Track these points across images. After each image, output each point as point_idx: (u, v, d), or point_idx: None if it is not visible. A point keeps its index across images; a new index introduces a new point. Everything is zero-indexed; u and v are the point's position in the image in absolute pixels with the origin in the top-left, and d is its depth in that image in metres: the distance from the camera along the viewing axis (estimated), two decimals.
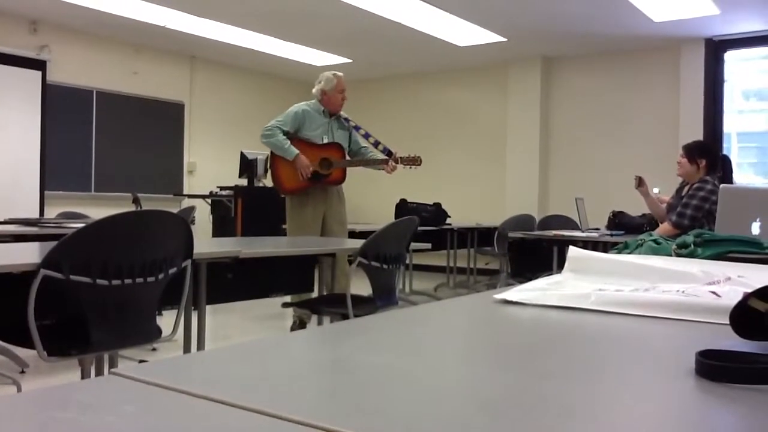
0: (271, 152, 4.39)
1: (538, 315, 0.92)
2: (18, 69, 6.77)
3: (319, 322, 3.30)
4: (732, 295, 0.89)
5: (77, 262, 1.82)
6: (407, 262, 6.11)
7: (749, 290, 0.67)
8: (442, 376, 0.60)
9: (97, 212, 3.11)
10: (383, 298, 2.89)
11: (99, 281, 1.86)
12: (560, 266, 1.29)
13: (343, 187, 4.47)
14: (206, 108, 8.66)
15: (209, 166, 8.55)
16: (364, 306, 2.88)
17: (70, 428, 0.45)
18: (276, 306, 3.90)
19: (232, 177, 7.21)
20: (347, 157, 4.41)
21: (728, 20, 6.47)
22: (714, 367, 0.57)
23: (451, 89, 9.06)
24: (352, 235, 4.62)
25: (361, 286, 2.92)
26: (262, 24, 7.01)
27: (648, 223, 4.59)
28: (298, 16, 6.67)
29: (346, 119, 4.47)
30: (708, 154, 4.06)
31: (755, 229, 2.06)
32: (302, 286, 3.44)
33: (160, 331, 2.13)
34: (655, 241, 1.63)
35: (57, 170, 7.11)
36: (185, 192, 8.05)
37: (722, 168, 4.11)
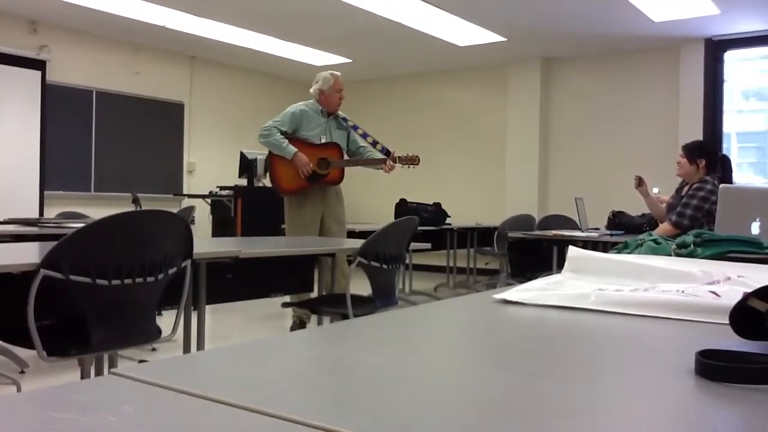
0: (270, 152, 4.39)
1: (537, 315, 0.92)
2: (18, 69, 6.77)
3: (319, 322, 3.30)
4: (732, 295, 0.89)
5: (77, 262, 1.82)
6: (407, 262, 6.11)
7: (749, 290, 0.67)
8: (441, 376, 0.60)
9: (97, 212, 3.11)
10: (383, 298, 2.89)
11: (99, 281, 1.86)
12: (560, 266, 1.29)
13: (341, 187, 4.47)
14: (206, 108, 8.66)
15: (209, 166, 8.55)
16: (363, 306, 2.88)
17: (69, 428, 0.45)
18: (276, 306, 3.90)
19: (231, 177, 7.22)
20: (345, 157, 4.41)
21: (728, 20, 6.47)
22: (714, 366, 0.57)
23: (451, 89, 9.06)
24: (352, 235, 4.62)
25: (360, 286, 2.92)
26: (262, 24, 7.01)
27: (648, 223, 4.60)
28: (298, 16, 6.67)
29: (344, 119, 4.47)
30: (707, 154, 4.06)
31: (755, 229, 2.06)
32: (302, 286, 3.44)
33: (159, 331, 2.13)
34: (654, 241, 1.63)
35: (57, 170, 7.12)
36: (185, 192, 8.05)
37: (722, 168, 4.11)
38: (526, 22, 6.71)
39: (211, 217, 7.17)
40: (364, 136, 4.45)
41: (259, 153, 6.65)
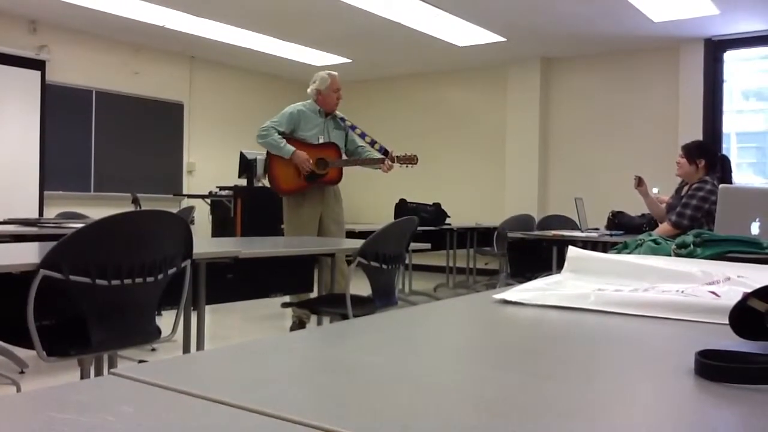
0: (268, 153, 4.39)
1: (537, 315, 0.92)
2: (17, 69, 6.77)
3: (319, 323, 3.30)
4: (731, 295, 0.89)
5: (77, 262, 1.82)
6: (407, 262, 6.11)
7: (748, 290, 0.67)
8: (441, 376, 0.60)
9: (97, 212, 3.11)
10: (383, 298, 2.89)
11: (98, 281, 1.86)
12: (560, 266, 1.29)
13: (339, 187, 4.47)
14: (206, 108, 8.66)
15: (209, 166, 8.55)
16: (363, 306, 2.88)
17: (69, 428, 0.45)
18: (275, 306, 3.90)
19: (231, 177, 7.21)
20: (344, 157, 4.41)
21: (728, 20, 6.47)
22: (713, 367, 0.57)
23: (450, 89, 9.06)
24: (352, 235, 4.62)
25: (360, 286, 2.92)
26: (262, 24, 7.01)
27: (647, 223, 4.60)
28: (298, 16, 6.67)
29: (342, 119, 4.47)
30: (707, 154, 4.06)
31: (754, 229, 2.06)
32: (302, 286, 3.44)
33: (159, 332, 2.13)
34: (654, 241, 1.63)
35: (56, 170, 7.11)
36: (185, 192, 8.05)
37: (721, 168, 4.11)
38: (526, 22, 6.71)
39: (210, 217, 7.16)
40: (362, 135, 4.45)
41: (258, 153, 6.65)
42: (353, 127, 4.47)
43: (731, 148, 7.35)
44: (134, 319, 2.02)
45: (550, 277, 1.20)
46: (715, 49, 7.16)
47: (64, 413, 0.48)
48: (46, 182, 7.01)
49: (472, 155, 8.82)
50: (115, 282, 1.89)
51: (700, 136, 6.73)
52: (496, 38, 7.24)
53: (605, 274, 1.16)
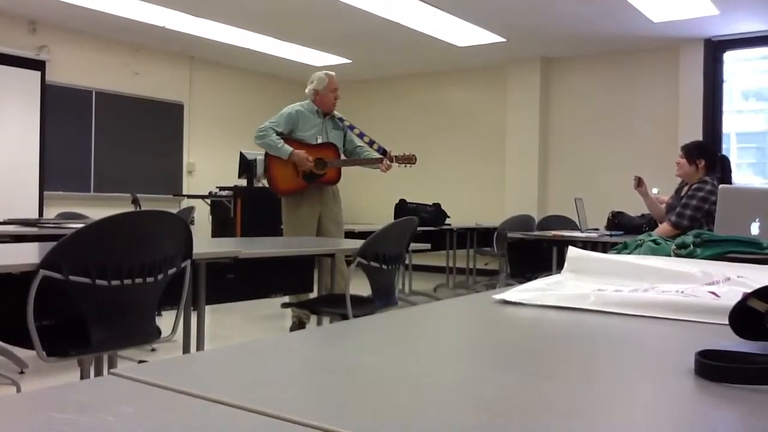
0: (266, 153, 4.39)
1: (537, 315, 0.92)
2: (17, 69, 6.77)
3: (319, 323, 3.30)
4: (731, 296, 0.89)
5: (77, 262, 1.82)
6: (407, 262, 6.11)
7: (748, 290, 0.67)
8: (441, 377, 0.60)
9: (97, 212, 3.10)
10: (383, 298, 2.89)
11: (98, 282, 1.86)
12: (559, 266, 1.29)
13: (338, 187, 4.47)
14: (205, 108, 8.66)
15: (208, 166, 8.55)
16: (363, 306, 2.88)
17: (69, 428, 0.45)
18: (275, 306, 3.89)
19: (231, 177, 7.21)
20: (342, 157, 4.41)
21: (727, 21, 6.47)
22: (713, 367, 0.57)
23: (450, 89, 9.06)
24: (352, 235, 4.62)
25: (360, 286, 2.92)
26: (262, 24, 7.01)
27: (647, 223, 4.59)
28: (298, 16, 6.67)
29: (341, 119, 4.47)
30: (707, 155, 4.06)
31: (754, 229, 2.06)
32: (302, 286, 3.44)
33: (159, 332, 2.13)
34: (654, 241, 1.63)
35: (56, 170, 7.11)
36: (184, 192, 8.05)
37: (721, 168, 4.11)
38: (526, 22, 6.71)
39: (210, 217, 7.16)
40: (361, 135, 4.45)
41: (258, 153, 6.64)
42: (351, 127, 4.47)
43: (731, 148, 7.35)
44: (134, 319, 2.02)
45: (550, 277, 1.21)
46: (715, 49, 7.16)
47: (64, 413, 0.48)
48: (46, 182, 7.00)
49: (472, 155, 8.82)
50: (115, 282, 1.89)
51: (700, 137, 6.73)
52: (496, 38, 7.24)
53: (605, 275, 1.16)
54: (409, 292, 6.59)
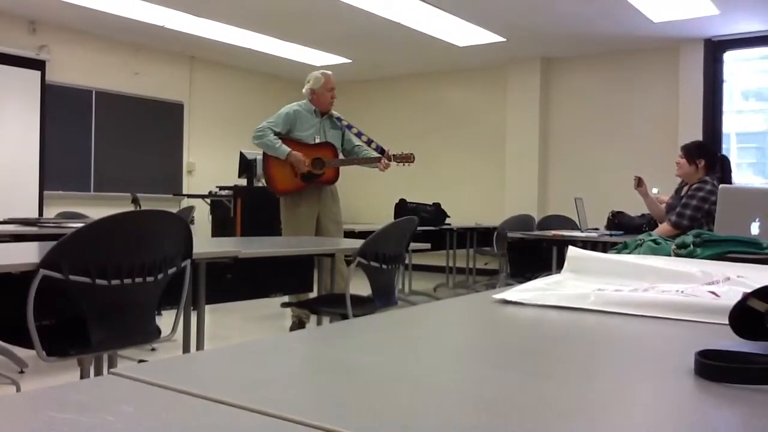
0: (264, 153, 4.39)
1: (537, 315, 0.92)
2: (17, 69, 6.77)
3: (319, 322, 3.30)
4: (731, 295, 0.89)
5: (76, 262, 1.82)
6: (406, 262, 6.11)
7: (748, 290, 0.67)
8: (441, 376, 0.60)
9: (97, 212, 3.10)
10: (383, 298, 2.89)
11: (98, 281, 1.86)
12: (559, 266, 1.29)
13: (337, 187, 4.47)
14: (206, 108, 8.65)
15: (208, 166, 8.55)
16: (363, 306, 2.88)
17: (69, 428, 0.45)
18: (275, 306, 3.90)
19: (231, 177, 7.21)
20: (340, 156, 4.41)
21: (727, 20, 6.47)
22: (713, 367, 0.57)
23: (450, 89, 9.06)
24: (352, 235, 4.62)
25: (360, 286, 2.92)
26: (262, 24, 7.01)
27: (647, 223, 4.60)
28: (298, 16, 6.67)
29: (339, 118, 4.47)
30: (707, 155, 4.06)
31: (754, 229, 2.06)
32: (301, 286, 3.44)
33: (159, 331, 2.13)
34: (654, 241, 1.63)
35: (56, 170, 7.11)
36: (184, 192, 8.05)
37: (721, 168, 4.11)
38: (526, 22, 6.71)
39: (210, 217, 7.16)
40: (359, 135, 4.45)
41: (258, 153, 6.62)
42: (350, 127, 4.48)
43: (731, 148, 7.35)
44: (134, 319, 2.02)
45: (550, 277, 1.20)
46: (715, 49, 7.16)
47: (64, 413, 0.48)
48: (45, 182, 7.00)
49: (472, 155, 8.82)
50: (115, 282, 1.89)
51: (700, 137, 6.73)
52: (496, 38, 7.24)
53: (605, 274, 1.16)
54: (409, 292, 6.59)
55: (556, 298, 0.98)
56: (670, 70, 7.38)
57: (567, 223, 5.86)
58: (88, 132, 7.44)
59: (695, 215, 3.87)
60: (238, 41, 7.59)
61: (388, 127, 8.85)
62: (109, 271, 1.88)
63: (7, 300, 1.88)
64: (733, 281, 1.06)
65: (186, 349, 2.61)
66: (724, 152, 6.60)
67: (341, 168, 4.40)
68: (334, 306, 3.02)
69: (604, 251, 1.91)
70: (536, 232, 5.04)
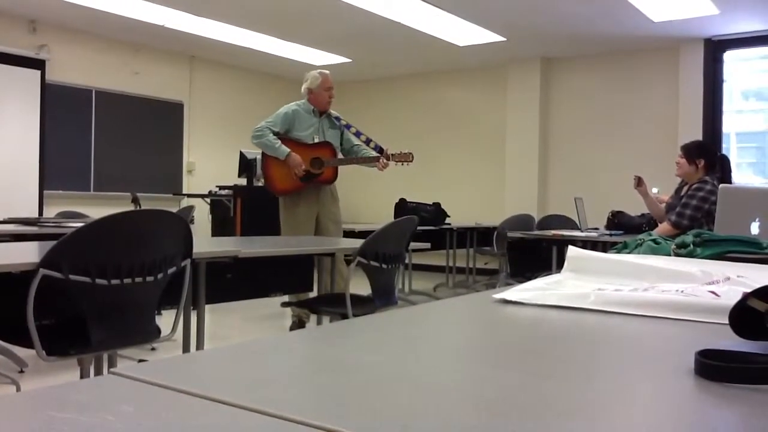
0: (263, 153, 4.39)
1: (537, 315, 0.92)
2: (17, 68, 6.77)
3: (319, 322, 3.30)
4: (731, 295, 0.89)
5: (76, 261, 1.82)
6: (406, 261, 6.11)
7: (748, 290, 0.67)
8: (441, 376, 0.60)
9: (97, 212, 3.10)
10: (382, 297, 2.89)
11: (98, 281, 1.86)
12: (559, 266, 1.29)
13: (336, 186, 4.47)
14: (206, 108, 8.65)
15: (208, 165, 8.55)
16: (363, 306, 2.88)
17: (69, 428, 0.45)
18: (275, 306, 3.90)
19: (231, 176, 7.21)
20: (339, 156, 4.41)
21: (727, 20, 6.47)
22: (713, 366, 0.57)
23: (450, 89, 9.06)
24: (351, 234, 4.62)
25: (360, 285, 2.92)
26: (262, 24, 7.01)
27: (647, 223, 4.60)
28: (298, 16, 6.67)
29: (337, 118, 4.47)
30: (707, 154, 4.06)
31: (754, 229, 2.06)
32: (301, 285, 3.44)
33: (159, 331, 2.13)
34: (654, 240, 1.63)
35: (56, 170, 7.11)
36: (184, 191, 8.05)
37: (721, 168, 4.11)
38: (526, 22, 6.71)
39: (210, 216, 7.16)
40: (357, 134, 4.45)
41: (258, 153, 6.62)
42: (348, 126, 4.48)
43: (731, 148, 7.35)
44: (134, 319, 2.02)
45: (549, 276, 1.20)
46: (715, 49, 7.16)
47: (64, 413, 0.47)
48: (45, 182, 7.00)
49: (471, 155, 8.82)
50: (114, 281, 1.89)
51: (699, 136, 6.73)
52: (496, 38, 7.24)
53: (605, 274, 1.16)
54: (409, 292, 6.59)
55: (556, 297, 0.98)
56: (670, 69, 7.38)
57: (567, 222, 5.86)
58: (87, 131, 7.44)
59: (695, 215, 3.87)
60: (238, 41, 7.59)
61: (387, 127, 8.85)
62: (109, 271, 1.88)
63: (7, 299, 1.88)
64: (733, 281, 1.06)
65: (186, 348, 2.61)
66: (724, 152, 6.59)
67: (340, 168, 4.40)
68: (334, 306, 3.02)
69: (604, 251, 1.91)
70: (536, 232, 5.04)
